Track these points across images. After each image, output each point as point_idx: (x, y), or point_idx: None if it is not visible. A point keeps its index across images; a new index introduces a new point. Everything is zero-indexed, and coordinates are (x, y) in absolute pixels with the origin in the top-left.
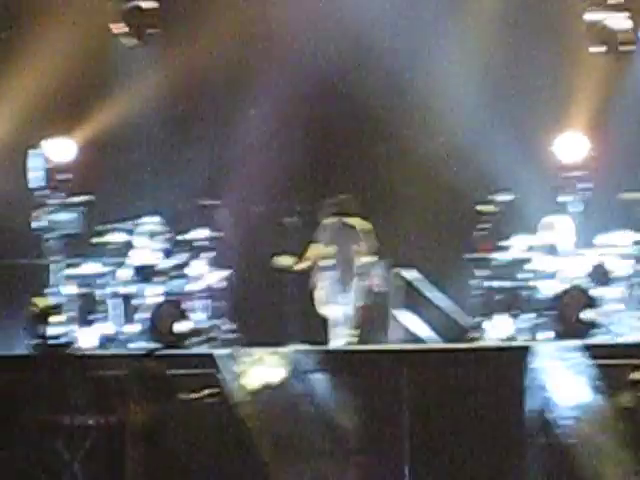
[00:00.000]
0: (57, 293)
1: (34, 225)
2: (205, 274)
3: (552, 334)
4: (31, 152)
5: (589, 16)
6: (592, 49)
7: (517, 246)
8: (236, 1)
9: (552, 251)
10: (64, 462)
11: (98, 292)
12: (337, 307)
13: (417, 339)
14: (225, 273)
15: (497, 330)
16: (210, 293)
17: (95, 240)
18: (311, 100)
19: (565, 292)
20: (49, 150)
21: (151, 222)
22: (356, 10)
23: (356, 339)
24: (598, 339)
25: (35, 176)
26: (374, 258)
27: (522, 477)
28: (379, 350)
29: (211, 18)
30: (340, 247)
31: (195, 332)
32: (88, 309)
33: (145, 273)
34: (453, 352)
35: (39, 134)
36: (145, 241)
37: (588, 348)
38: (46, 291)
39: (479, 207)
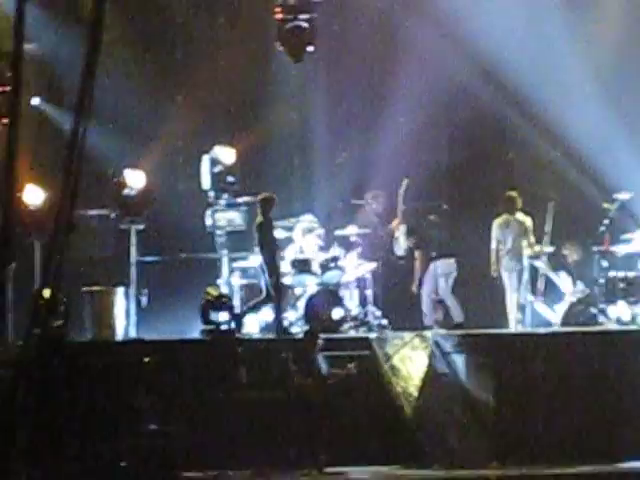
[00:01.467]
0: (228, 283)
1: (207, 221)
2: (356, 266)
3: None
4: (204, 157)
5: None
6: None
7: (638, 239)
8: (379, 21)
9: None
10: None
11: (263, 282)
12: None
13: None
14: (373, 265)
15: (620, 314)
16: (360, 283)
17: None
18: (451, 109)
19: None
20: (219, 155)
21: (307, 220)
22: (488, 29)
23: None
24: None
25: (207, 179)
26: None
27: None
28: (511, 333)
29: (355, 36)
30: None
31: (349, 318)
32: (254, 298)
33: (303, 265)
34: (579, 334)
35: (210, 141)
36: (302, 237)
37: None
38: (218, 282)
39: (604, 205)
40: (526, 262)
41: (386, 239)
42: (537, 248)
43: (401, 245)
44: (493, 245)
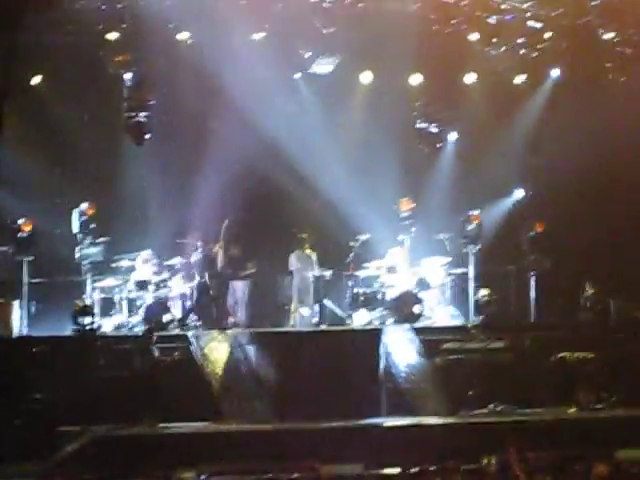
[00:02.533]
0: (90, 297)
1: (76, 255)
2: (179, 285)
3: (393, 320)
4: (74, 210)
5: (418, 125)
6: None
7: (373, 267)
8: (195, 116)
9: (394, 270)
10: None
11: (115, 297)
12: None
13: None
14: (191, 284)
15: (361, 318)
16: (182, 297)
17: (113, 265)
18: (244, 176)
19: (402, 294)
20: (84, 209)
21: (146, 253)
22: (274, 116)
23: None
24: (422, 323)
25: (76, 225)
26: None
27: (377, 408)
28: (288, 331)
29: (180, 126)
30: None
31: (175, 321)
32: (109, 307)
33: (143, 285)
34: (335, 332)
35: (79, 199)
36: (142, 265)
37: (416, 329)
38: (83, 296)
39: (350, 243)
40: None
41: (204, 261)
42: None
43: (220, 259)
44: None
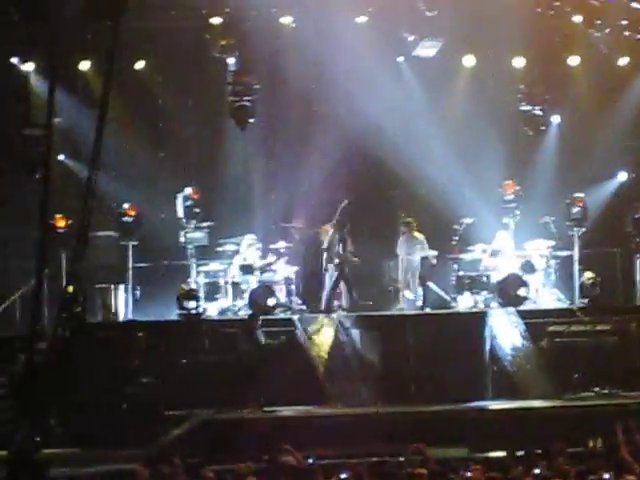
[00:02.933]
0: (195, 282)
1: (181, 239)
2: (284, 269)
3: (498, 304)
4: (179, 195)
5: (522, 107)
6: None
7: (478, 250)
8: (300, 99)
9: (498, 253)
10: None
11: (220, 281)
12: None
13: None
14: (295, 268)
15: (466, 302)
16: (287, 281)
17: (218, 249)
18: (349, 161)
19: (507, 277)
20: (188, 194)
21: (250, 237)
22: (376, 104)
23: None
24: (527, 306)
25: (180, 210)
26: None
27: (483, 391)
28: (392, 315)
29: (283, 110)
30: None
31: (280, 305)
32: (214, 291)
33: (247, 269)
34: (439, 315)
35: (183, 184)
36: (247, 249)
37: (521, 312)
38: (188, 280)
39: (455, 226)
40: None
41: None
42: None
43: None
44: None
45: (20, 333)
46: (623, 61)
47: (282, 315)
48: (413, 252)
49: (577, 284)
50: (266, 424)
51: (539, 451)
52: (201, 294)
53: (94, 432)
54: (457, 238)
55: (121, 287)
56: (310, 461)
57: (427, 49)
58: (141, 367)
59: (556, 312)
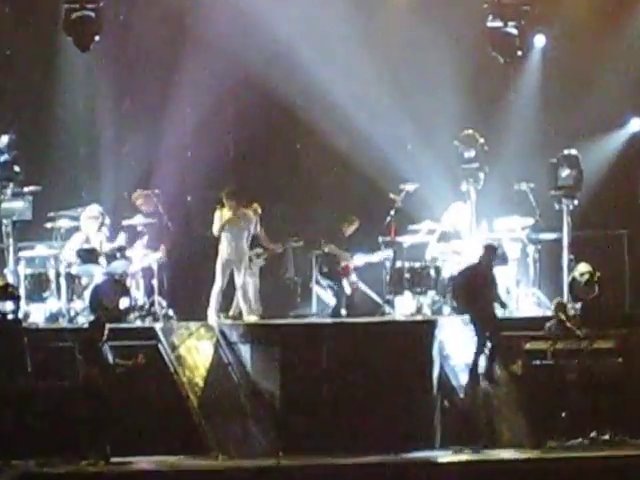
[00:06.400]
0: (14, 273)
1: None
2: (142, 256)
3: (450, 310)
4: None
5: (490, 23)
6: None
7: (424, 230)
8: (166, 11)
9: (455, 235)
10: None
11: (49, 272)
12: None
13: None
14: (158, 255)
15: (405, 306)
16: (146, 273)
17: (46, 225)
18: (238, 98)
19: (465, 271)
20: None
21: (93, 210)
22: (274, 18)
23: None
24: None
25: None
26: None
27: (429, 436)
28: (297, 324)
29: (143, 26)
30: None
31: (136, 308)
32: (40, 287)
33: (89, 255)
34: (367, 325)
35: None
36: (88, 226)
37: None
38: (4, 271)
39: (391, 195)
40: None
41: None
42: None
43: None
44: None
45: None
46: None
47: (139, 323)
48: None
49: (566, 281)
50: None
51: None
52: (21, 291)
53: None
54: (393, 213)
55: None
56: None
57: None
58: None
59: (536, 322)
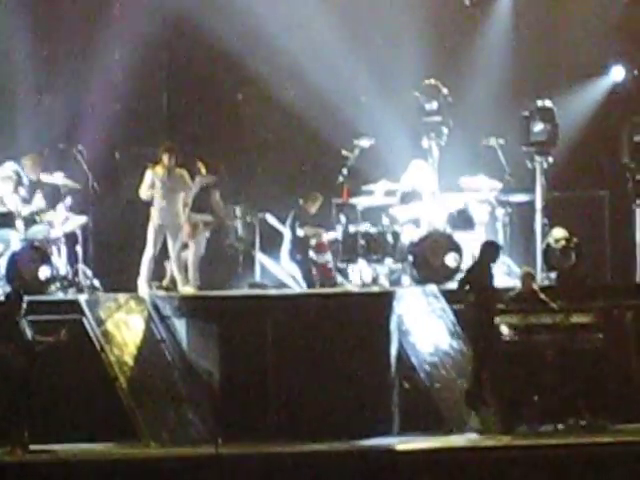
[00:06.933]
0: None
1: None
2: (64, 220)
3: (410, 279)
4: None
5: None
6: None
7: (380, 191)
8: None
9: (414, 196)
10: None
11: None
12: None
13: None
14: (83, 219)
15: (360, 275)
16: (69, 239)
17: None
18: (171, 45)
19: (427, 237)
20: None
21: (9, 168)
22: None
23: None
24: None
25: None
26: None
27: (386, 421)
28: (238, 296)
29: None
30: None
31: (58, 278)
32: None
33: (4, 219)
34: (317, 297)
35: None
36: (2, 187)
37: (449, 293)
38: None
39: (343, 152)
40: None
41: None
42: None
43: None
44: None
45: None
46: None
47: (62, 295)
48: None
49: (540, 248)
50: (34, 472)
51: None
52: None
53: None
54: (346, 172)
55: None
56: None
57: None
58: None
59: (506, 294)
